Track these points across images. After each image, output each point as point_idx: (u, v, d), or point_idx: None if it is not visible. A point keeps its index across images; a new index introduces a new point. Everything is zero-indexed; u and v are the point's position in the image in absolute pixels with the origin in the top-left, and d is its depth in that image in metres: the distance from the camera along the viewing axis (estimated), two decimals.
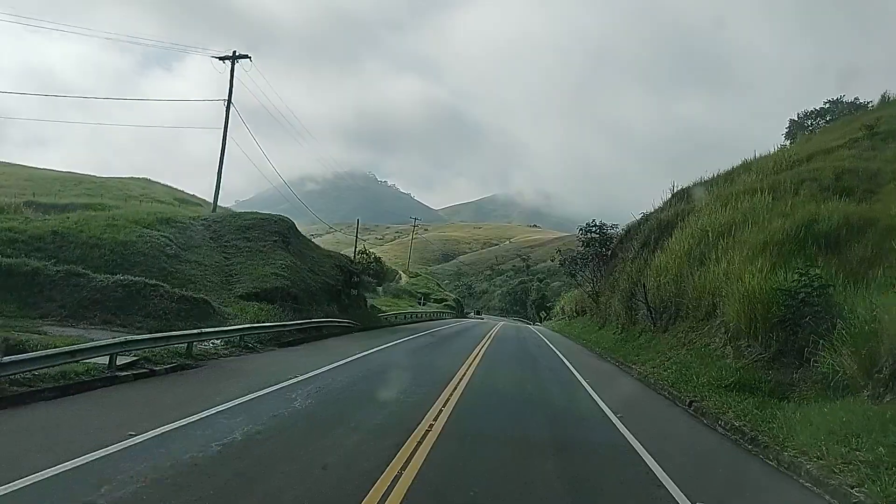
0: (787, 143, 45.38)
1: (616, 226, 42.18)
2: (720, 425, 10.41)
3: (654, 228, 27.05)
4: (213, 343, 14.11)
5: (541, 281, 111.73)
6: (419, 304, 61.61)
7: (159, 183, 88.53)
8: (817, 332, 11.47)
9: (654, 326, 21.21)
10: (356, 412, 8.70)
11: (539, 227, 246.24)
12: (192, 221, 24.38)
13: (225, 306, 18.47)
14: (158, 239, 20.75)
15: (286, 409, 8.32)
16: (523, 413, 10.90)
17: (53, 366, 8.49)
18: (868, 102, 46.16)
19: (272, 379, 10.63)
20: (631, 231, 33.62)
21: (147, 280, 16.55)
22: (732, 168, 28.44)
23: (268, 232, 24.95)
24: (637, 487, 6.63)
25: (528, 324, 71.08)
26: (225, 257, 22.47)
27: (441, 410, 9.27)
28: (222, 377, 10.85)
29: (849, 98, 52.17)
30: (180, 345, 12.24)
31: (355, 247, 53.24)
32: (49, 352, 8.45)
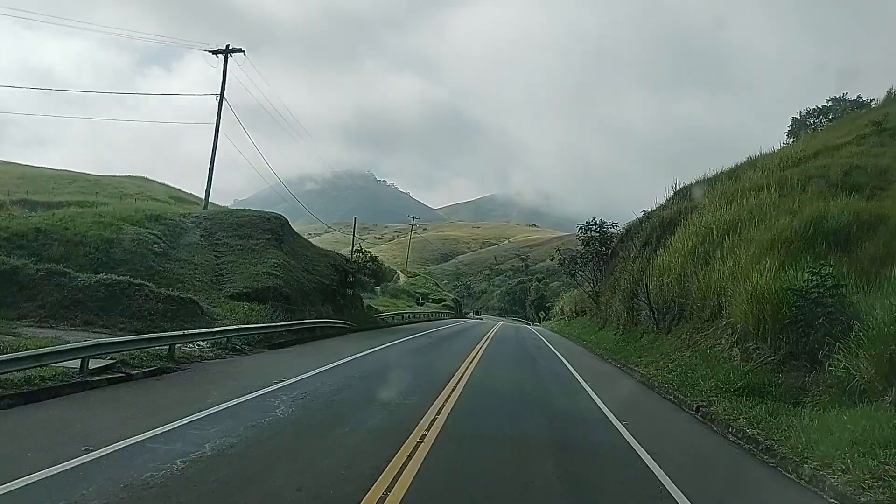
0: (790, 141, 44.88)
1: (616, 224, 41.60)
2: (731, 432, 9.83)
3: (656, 227, 26.49)
4: (198, 345, 13.51)
5: (540, 281, 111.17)
6: (417, 304, 61.01)
7: (156, 182, 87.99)
8: (831, 333, 10.92)
9: (657, 327, 20.63)
10: (343, 421, 8.05)
11: (538, 227, 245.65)
12: (182, 219, 23.79)
13: (214, 306, 17.87)
14: (146, 236, 20.16)
15: (266, 419, 7.68)
16: (522, 414, 10.47)
17: (17, 371, 7.88)
18: (871, 100, 45.71)
19: (257, 383, 10.03)
20: (632, 229, 33.03)
21: (132, 279, 15.94)
22: (737, 165, 27.92)
23: (260, 230, 24.34)
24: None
25: (527, 324, 70.53)
26: (216, 256, 21.86)
27: (435, 418, 8.65)
28: (203, 382, 10.23)
29: (851, 96, 51.74)
30: (161, 347, 11.63)
31: (353, 246, 52.65)
32: (11, 356, 7.84)
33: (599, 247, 41.44)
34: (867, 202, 16.68)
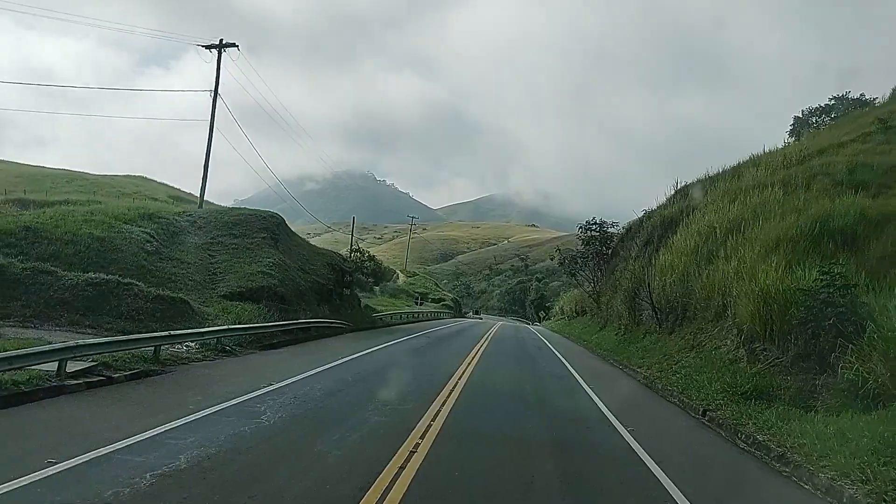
0: (792, 140, 44.50)
1: (617, 224, 41.20)
2: (740, 438, 9.42)
3: (658, 226, 26.06)
4: (186, 346, 13.07)
5: (539, 280, 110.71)
6: (416, 303, 60.56)
7: (155, 181, 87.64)
8: (843, 335, 10.52)
9: (660, 328, 20.21)
10: (331, 430, 7.54)
11: (538, 227, 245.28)
12: (176, 217, 23.34)
13: (206, 306, 17.44)
14: (139, 235, 19.70)
15: (249, 426, 7.22)
16: (522, 422, 9.96)
17: None
18: (874, 98, 45.36)
19: (244, 387, 9.60)
20: (632, 229, 32.62)
21: (120, 278, 15.48)
22: (739, 163, 27.49)
23: (256, 228, 23.89)
24: None
25: (526, 324, 70.11)
26: (209, 255, 21.42)
27: (430, 424, 8.23)
28: (187, 386, 9.78)
29: (854, 94, 51.38)
30: (146, 349, 11.19)
31: (351, 245, 52.23)
32: None
33: (600, 246, 41.03)
34: (874, 200, 16.34)
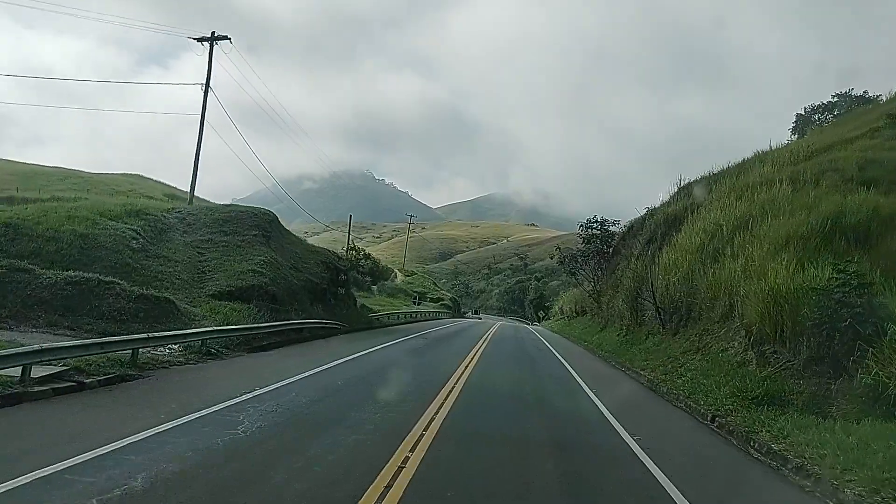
0: (794, 137, 44.00)
1: (618, 222, 40.65)
2: (753, 447, 8.82)
3: (661, 223, 25.48)
4: (169, 349, 12.43)
5: (539, 280, 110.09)
6: (414, 303, 59.90)
7: (151, 179, 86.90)
8: (860, 337, 9.94)
9: (664, 328, 19.62)
10: (313, 442, 6.87)
11: (537, 227, 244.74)
12: (164, 214, 22.68)
13: (193, 306, 16.80)
14: (124, 232, 19.04)
15: (223, 438, 6.57)
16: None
17: None
18: (878, 96, 44.90)
19: (225, 393, 8.96)
20: (634, 227, 32.05)
21: (102, 277, 14.83)
22: (743, 160, 26.92)
23: (247, 226, 23.23)
24: None
25: (526, 324, 69.50)
26: (198, 252, 20.76)
27: (423, 434, 7.61)
28: (164, 392, 9.15)
29: (857, 92, 50.94)
30: (124, 352, 10.56)
31: (348, 243, 51.63)
32: None
33: (601, 245, 40.48)
34: (885, 197, 15.82)
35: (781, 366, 11.82)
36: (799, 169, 20.22)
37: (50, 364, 9.05)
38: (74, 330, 13.12)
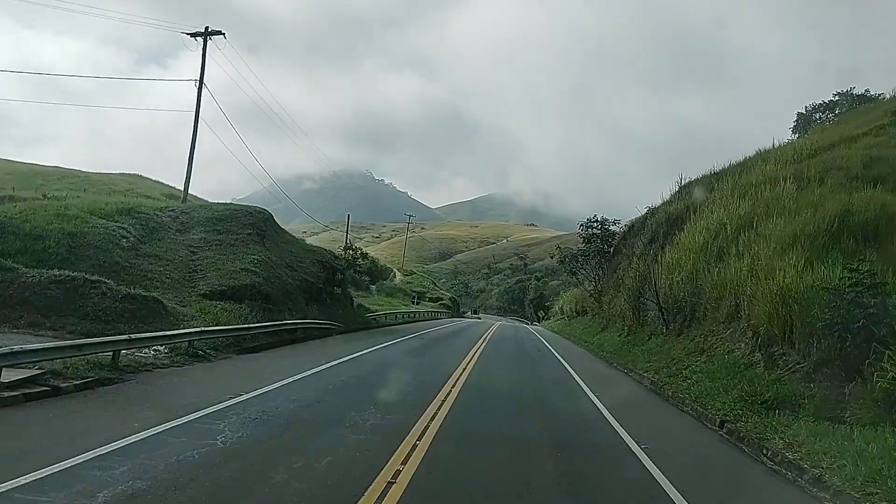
0: (795, 136, 43.59)
1: (618, 221, 40.23)
2: (766, 455, 8.37)
3: (663, 222, 25.04)
4: (154, 350, 11.97)
5: (539, 280, 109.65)
6: (413, 303, 59.44)
7: (150, 179, 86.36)
8: (874, 338, 9.52)
9: (667, 329, 19.17)
10: (297, 454, 6.35)
11: (537, 227, 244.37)
12: (157, 213, 22.23)
13: (183, 306, 16.35)
14: (114, 230, 18.58)
15: (199, 451, 6.08)
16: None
17: None
18: (879, 94, 44.49)
19: (208, 399, 8.50)
20: (635, 226, 31.60)
21: (87, 276, 14.37)
22: (745, 158, 26.49)
23: (241, 224, 22.77)
24: None
25: (526, 324, 69.06)
26: (191, 251, 20.30)
27: (417, 443, 7.15)
28: (143, 397, 8.68)
29: (859, 90, 50.52)
30: (104, 353, 10.09)
31: (346, 243, 51.20)
32: None
33: (601, 244, 40.08)
34: (893, 195, 15.45)
35: (790, 368, 11.39)
36: (802, 167, 19.81)
37: (24, 367, 8.59)
38: (57, 331, 12.67)
